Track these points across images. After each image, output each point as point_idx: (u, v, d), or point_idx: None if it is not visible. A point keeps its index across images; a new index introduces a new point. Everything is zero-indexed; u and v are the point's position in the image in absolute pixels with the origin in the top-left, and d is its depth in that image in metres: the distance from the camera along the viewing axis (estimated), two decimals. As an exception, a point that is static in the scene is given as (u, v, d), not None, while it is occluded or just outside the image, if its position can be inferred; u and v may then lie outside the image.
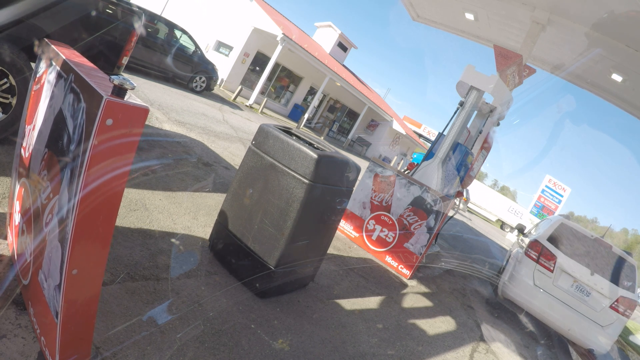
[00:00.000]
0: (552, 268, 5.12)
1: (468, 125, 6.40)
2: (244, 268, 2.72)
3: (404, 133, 27.25)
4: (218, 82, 14.66)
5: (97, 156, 1.15)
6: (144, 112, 1.20)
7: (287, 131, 2.90)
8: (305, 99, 21.40)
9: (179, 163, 4.54)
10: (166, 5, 18.69)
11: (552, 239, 5.36)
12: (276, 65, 18.00)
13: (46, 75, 1.65)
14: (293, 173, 2.58)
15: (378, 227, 5.23)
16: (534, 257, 5.28)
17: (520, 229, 7.22)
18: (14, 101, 2.85)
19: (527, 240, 5.92)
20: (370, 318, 3.32)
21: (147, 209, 3.06)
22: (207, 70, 11.22)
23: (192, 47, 10.94)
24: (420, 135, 35.70)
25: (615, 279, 5.01)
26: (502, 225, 31.06)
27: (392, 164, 21.53)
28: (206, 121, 7.71)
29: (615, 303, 4.88)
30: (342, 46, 21.82)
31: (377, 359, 2.75)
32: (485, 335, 4.44)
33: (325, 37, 21.35)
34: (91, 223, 1.22)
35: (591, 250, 5.26)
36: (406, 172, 7.35)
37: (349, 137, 23.78)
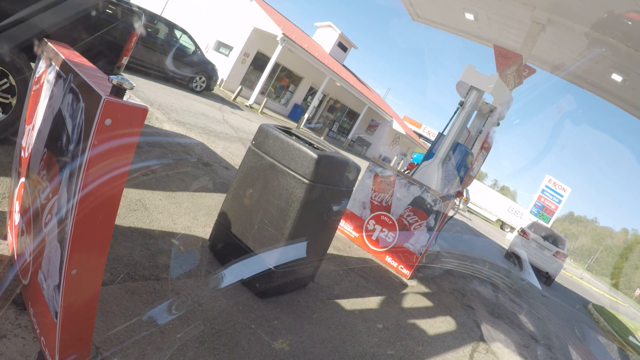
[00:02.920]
0: (528, 238, 11.98)
1: (468, 125, 6.39)
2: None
3: (404, 133, 27.26)
4: (218, 82, 14.67)
5: (96, 156, 1.15)
6: (142, 112, 1.20)
7: (287, 131, 2.90)
8: (305, 99, 21.39)
9: (179, 163, 4.54)
10: (166, 5, 18.68)
11: (529, 227, 12.61)
12: (276, 65, 18.00)
13: (45, 75, 1.65)
14: (293, 173, 2.58)
15: (378, 227, 5.23)
16: (521, 234, 12.34)
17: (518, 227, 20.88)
18: (14, 101, 2.85)
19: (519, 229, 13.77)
20: (370, 318, 3.32)
21: (147, 209, 3.06)
22: (207, 70, 11.22)
23: (192, 47, 10.95)
24: (420, 135, 35.70)
25: (555, 243, 11.85)
26: (502, 225, 31.05)
27: (392, 164, 21.53)
28: (206, 121, 7.71)
29: (555, 254, 11.51)
30: (342, 46, 21.81)
31: (377, 359, 2.75)
32: (485, 335, 4.44)
33: (325, 37, 21.34)
34: (90, 223, 1.22)
35: (545, 232, 12.43)
36: (406, 172, 7.35)
37: (349, 137, 23.77)
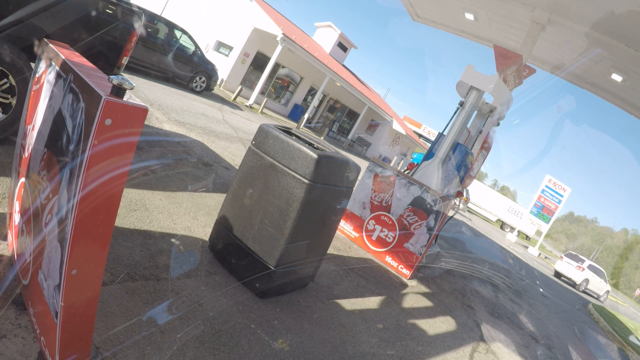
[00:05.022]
0: (562, 259, 18.95)
1: (468, 125, 6.39)
2: (244, 268, 2.72)
3: (404, 133, 27.25)
4: (218, 82, 14.66)
5: (96, 156, 1.15)
6: (142, 112, 1.20)
7: (287, 131, 2.90)
8: (305, 99, 21.39)
9: (179, 163, 4.54)
10: (166, 5, 18.68)
11: (564, 254, 19.57)
12: (276, 65, 18.00)
13: (46, 75, 1.65)
14: (293, 173, 2.58)
15: (378, 227, 5.23)
16: (559, 258, 19.60)
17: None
18: (14, 101, 2.85)
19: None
20: (370, 318, 3.32)
21: (147, 209, 3.06)
22: (207, 70, 11.22)
23: (192, 47, 10.94)
24: (420, 135, 35.68)
25: (577, 261, 18.26)
26: (502, 225, 31.04)
27: (392, 164, 21.53)
28: (206, 121, 7.72)
29: (576, 267, 17.99)
30: (342, 46, 21.81)
31: (377, 359, 2.75)
32: (485, 335, 4.44)
33: (325, 37, 21.33)
34: (91, 223, 1.22)
35: (571, 255, 19.26)
36: (406, 172, 7.35)
37: (349, 137, 23.77)
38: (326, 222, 2.93)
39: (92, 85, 1.21)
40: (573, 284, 17.91)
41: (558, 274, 18.65)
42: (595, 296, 18.24)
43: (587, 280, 17.80)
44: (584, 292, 17.74)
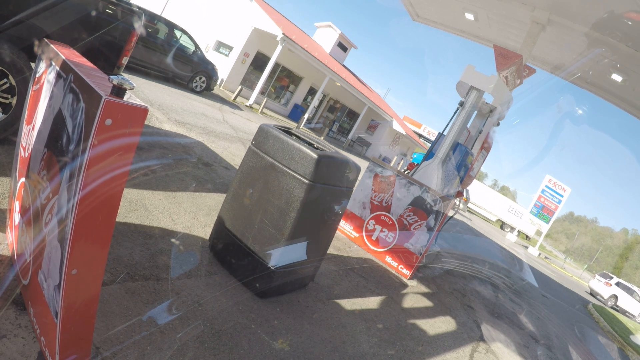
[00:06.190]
0: (594, 277, 20.28)
1: (468, 125, 6.39)
2: (244, 268, 2.72)
3: (404, 133, 27.25)
4: (218, 82, 14.66)
5: (96, 156, 1.15)
6: (143, 112, 1.20)
7: (287, 131, 2.90)
8: (305, 99, 21.39)
9: (179, 163, 4.54)
10: (166, 5, 18.68)
11: (604, 275, 19.72)
12: (276, 65, 17.99)
13: (46, 75, 1.65)
14: (293, 173, 2.58)
15: (378, 227, 5.23)
16: (592, 277, 21.71)
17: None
18: (14, 101, 2.85)
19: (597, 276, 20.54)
20: (370, 318, 3.32)
21: (147, 209, 3.06)
22: (207, 70, 11.22)
23: (192, 47, 10.94)
24: (420, 135, 35.68)
25: (604, 277, 19.21)
26: (502, 225, 31.05)
27: (392, 164, 21.52)
28: (206, 121, 7.71)
29: (604, 283, 18.45)
30: (342, 46, 21.80)
31: (377, 359, 2.75)
32: (485, 335, 4.44)
33: (325, 37, 21.33)
34: (91, 223, 1.22)
35: (602, 274, 19.89)
36: (406, 172, 7.35)
37: (349, 137, 23.77)
38: (326, 222, 2.93)
39: (92, 85, 1.21)
40: (603, 301, 18.04)
41: (593, 293, 18.98)
42: (631, 316, 17.62)
43: (615, 297, 17.81)
44: (613, 308, 17.40)
